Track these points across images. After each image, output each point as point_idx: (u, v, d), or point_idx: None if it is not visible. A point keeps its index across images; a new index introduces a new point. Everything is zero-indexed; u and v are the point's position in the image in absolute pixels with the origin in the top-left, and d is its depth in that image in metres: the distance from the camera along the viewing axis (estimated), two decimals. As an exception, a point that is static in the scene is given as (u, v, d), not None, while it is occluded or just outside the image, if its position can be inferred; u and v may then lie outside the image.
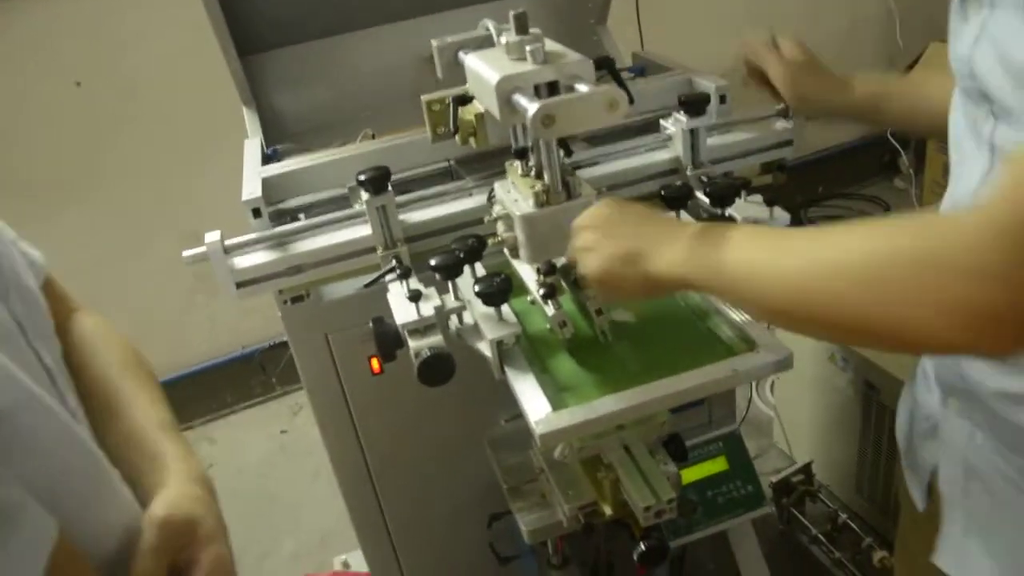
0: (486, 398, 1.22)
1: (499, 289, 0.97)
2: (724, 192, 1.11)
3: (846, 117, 1.21)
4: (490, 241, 1.08)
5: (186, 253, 1.10)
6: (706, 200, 1.14)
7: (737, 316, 1.00)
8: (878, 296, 0.62)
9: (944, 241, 0.59)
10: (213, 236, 1.11)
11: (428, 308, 0.99)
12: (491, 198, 1.13)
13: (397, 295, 1.03)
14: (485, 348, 0.98)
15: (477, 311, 1.00)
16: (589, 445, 1.01)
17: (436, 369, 0.95)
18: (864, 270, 0.63)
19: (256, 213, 1.17)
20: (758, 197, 1.13)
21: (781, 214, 1.10)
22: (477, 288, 0.98)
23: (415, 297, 0.99)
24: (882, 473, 1.86)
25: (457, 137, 1.14)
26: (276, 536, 2.28)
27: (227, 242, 1.12)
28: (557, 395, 0.94)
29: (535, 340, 1.04)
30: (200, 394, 2.74)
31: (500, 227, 1.07)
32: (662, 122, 1.27)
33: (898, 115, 1.13)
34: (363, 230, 1.16)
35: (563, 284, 1.04)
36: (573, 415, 0.88)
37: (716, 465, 1.59)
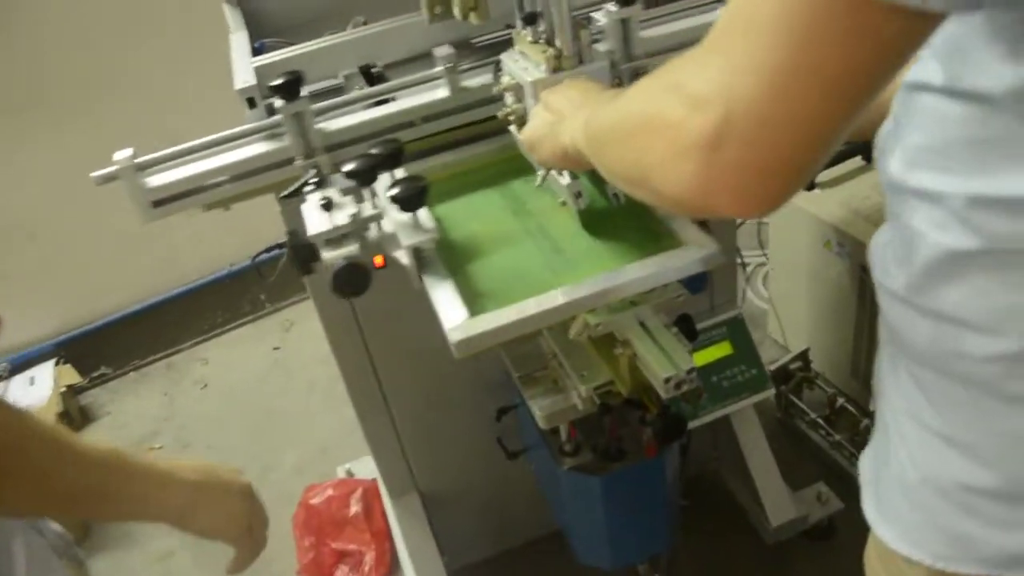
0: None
1: (414, 193, 0.91)
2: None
3: None
4: (499, 115, 1.04)
5: (94, 174, 1.04)
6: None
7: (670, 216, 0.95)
8: (628, 151, 0.64)
9: (666, 75, 0.59)
10: (124, 153, 1.05)
11: (343, 217, 0.93)
12: (497, 70, 1.09)
13: (312, 206, 0.97)
14: (402, 256, 0.93)
15: (394, 218, 0.94)
16: (604, 322, 0.97)
17: (350, 279, 0.91)
18: (623, 122, 0.66)
19: (251, 103, 1.12)
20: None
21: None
22: (391, 193, 0.91)
23: (327, 206, 0.93)
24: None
25: (457, 10, 1.08)
26: (277, 450, 2.31)
27: (139, 160, 1.06)
28: (476, 300, 0.90)
29: (464, 242, 0.99)
30: (190, 315, 2.73)
31: (508, 99, 1.03)
32: (592, 14, 1.18)
33: None
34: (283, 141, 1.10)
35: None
36: (489, 320, 0.84)
37: (721, 350, 1.62)
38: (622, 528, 1.35)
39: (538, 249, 0.98)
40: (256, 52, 1.30)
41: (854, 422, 1.83)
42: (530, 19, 0.94)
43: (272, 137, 1.11)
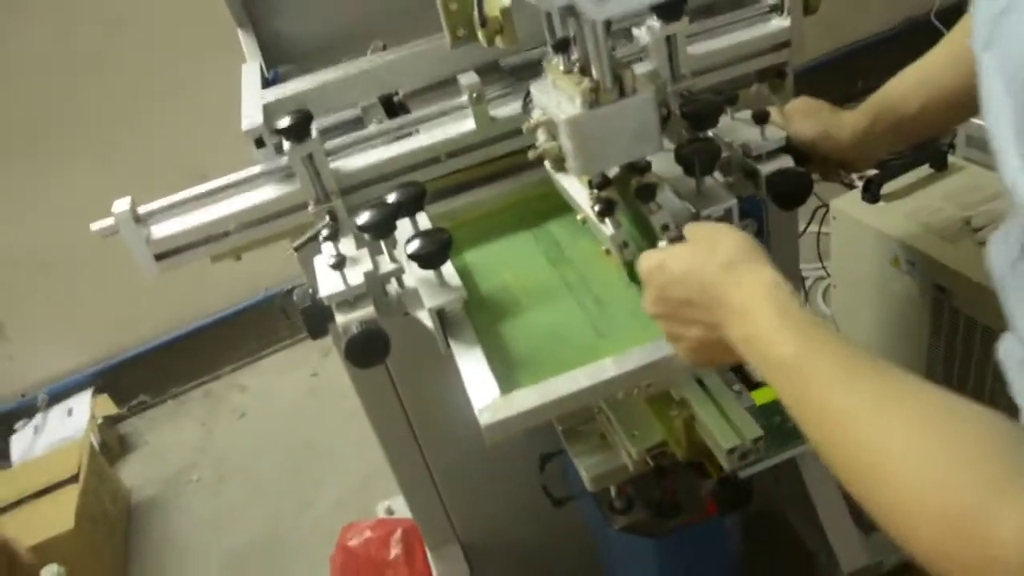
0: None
1: (436, 249, 0.81)
2: (703, 112, 0.92)
3: (894, 147, 0.98)
4: (529, 154, 0.93)
5: (94, 227, 0.96)
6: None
7: None
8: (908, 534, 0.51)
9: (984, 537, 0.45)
10: (122, 204, 0.96)
11: (357, 275, 0.83)
12: (527, 102, 1.00)
13: (324, 260, 0.87)
14: (425, 318, 0.82)
15: (415, 274, 0.84)
16: (658, 380, 0.88)
17: (366, 347, 0.81)
18: (900, 504, 0.51)
19: (259, 143, 1.03)
20: (747, 114, 0.92)
21: (774, 133, 0.91)
22: (410, 249, 0.81)
23: (339, 264, 0.83)
24: (955, 379, 1.67)
25: (481, 35, 0.96)
26: (315, 484, 2.23)
27: (140, 209, 0.97)
28: (511, 371, 0.79)
29: (495, 297, 0.88)
30: (226, 341, 2.67)
31: (540, 136, 0.91)
32: (633, 30, 1.06)
33: (932, 116, 0.90)
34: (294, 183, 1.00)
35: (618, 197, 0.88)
36: (524, 399, 0.73)
37: (764, 395, 1.46)
38: (683, 595, 1.24)
39: (579, 305, 0.87)
40: (271, 82, 1.21)
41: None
42: (561, 46, 0.82)
43: (284, 179, 1.02)
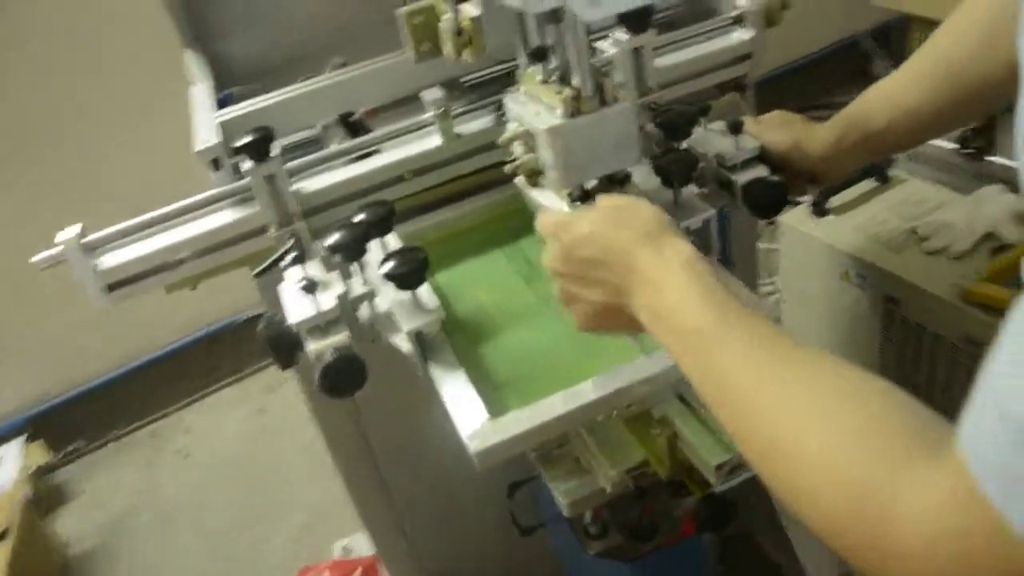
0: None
1: (413, 268, 0.77)
2: (677, 123, 0.91)
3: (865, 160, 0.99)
4: (507, 168, 0.91)
5: (36, 258, 0.90)
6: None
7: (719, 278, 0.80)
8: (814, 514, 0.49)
9: (893, 523, 0.44)
10: (70, 232, 0.90)
11: (328, 299, 0.79)
12: (500, 115, 0.97)
13: (291, 285, 0.83)
14: (402, 342, 0.78)
15: (390, 297, 0.80)
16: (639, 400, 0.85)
17: (342, 375, 0.76)
18: (799, 477, 0.50)
19: (216, 164, 0.98)
20: (720, 124, 0.92)
21: (748, 142, 0.90)
22: (385, 270, 0.77)
23: (310, 287, 0.78)
24: (908, 385, 1.68)
25: (449, 47, 0.94)
26: (269, 522, 2.14)
27: (86, 239, 0.91)
28: (496, 394, 0.75)
29: (471, 318, 0.85)
30: (168, 380, 2.55)
31: (517, 149, 0.88)
32: (598, 45, 1.05)
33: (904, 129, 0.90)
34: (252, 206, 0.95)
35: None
36: (517, 422, 0.70)
37: None
38: (660, 618, 1.20)
39: (560, 322, 0.84)
40: (223, 103, 1.16)
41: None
42: (539, 55, 0.80)
43: (242, 202, 0.97)
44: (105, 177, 2.25)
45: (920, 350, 1.61)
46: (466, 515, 1.44)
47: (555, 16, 0.74)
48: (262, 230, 0.95)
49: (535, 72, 0.83)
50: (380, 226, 0.84)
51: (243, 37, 1.43)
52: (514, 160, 0.86)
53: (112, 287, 0.93)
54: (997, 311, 1.44)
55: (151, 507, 2.28)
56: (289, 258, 0.87)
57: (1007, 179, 1.74)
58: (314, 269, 0.85)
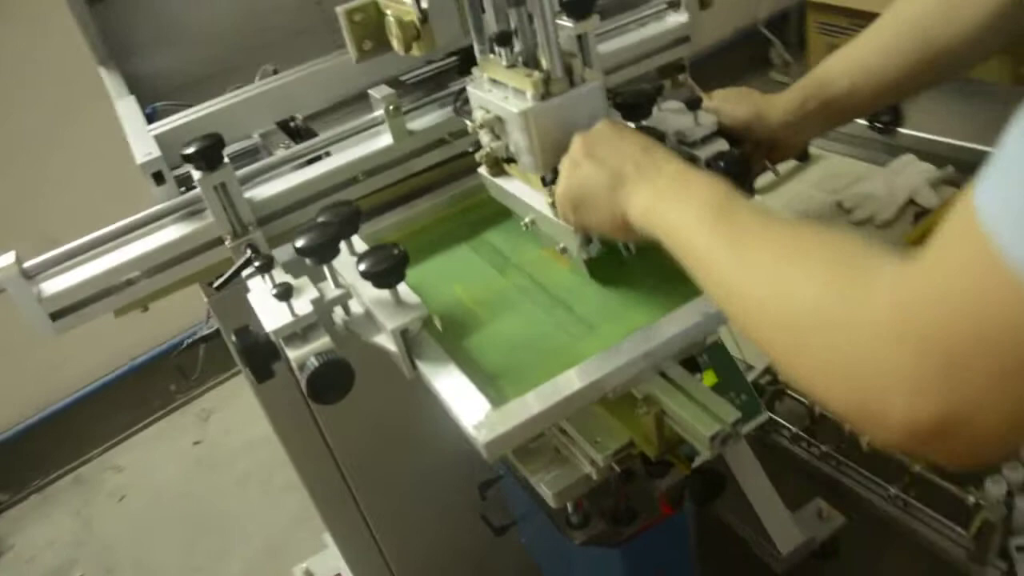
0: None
1: (392, 265, 0.74)
2: (637, 102, 0.91)
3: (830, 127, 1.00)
4: (477, 156, 0.90)
5: (-30, 292, 0.83)
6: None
7: None
8: (804, 369, 0.51)
9: (860, 331, 0.46)
10: (5, 260, 0.84)
11: (304, 304, 0.76)
12: (460, 105, 0.99)
13: (261, 294, 0.79)
14: (386, 341, 0.76)
15: (367, 296, 0.77)
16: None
17: (330, 381, 0.73)
18: (787, 331, 0.53)
19: (158, 178, 0.92)
20: (675, 103, 0.93)
21: (707, 118, 0.91)
22: (363, 267, 0.74)
23: (285, 293, 0.75)
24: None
25: (396, 43, 0.91)
26: (219, 559, 2.05)
27: (26, 264, 0.85)
28: (491, 384, 0.73)
29: (450, 313, 0.83)
30: (93, 420, 2.42)
31: (484, 137, 0.87)
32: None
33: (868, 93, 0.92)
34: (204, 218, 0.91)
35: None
36: (522, 409, 0.68)
37: (705, 380, 1.45)
38: (649, 600, 1.20)
39: (541, 310, 0.83)
40: (149, 119, 1.11)
41: (837, 429, 1.73)
42: (504, 39, 0.79)
43: (190, 216, 0.93)
44: (29, 202, 2.12)
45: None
46: (436, 519, 1.42)
47: (519, 0, 0.73)
48: (216, 242, 0.91)
49: (497, 58, 0.81)
50: (348, 226, 0.81)
51: (160, 53, 1.37)
52: (485, 149, 0.84)
53: (57, 315, 0.87)
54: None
55: (90, 557, 2.16)
56: (251, 268, 0.83)
57: (917, 149, 1.82)
58: (280, 276, 0.81)
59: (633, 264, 0.86)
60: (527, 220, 0.86)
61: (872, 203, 1.74)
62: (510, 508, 1.38)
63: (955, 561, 1.55)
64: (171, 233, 0.91)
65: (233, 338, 0.76)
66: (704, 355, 1.47)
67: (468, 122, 0.89)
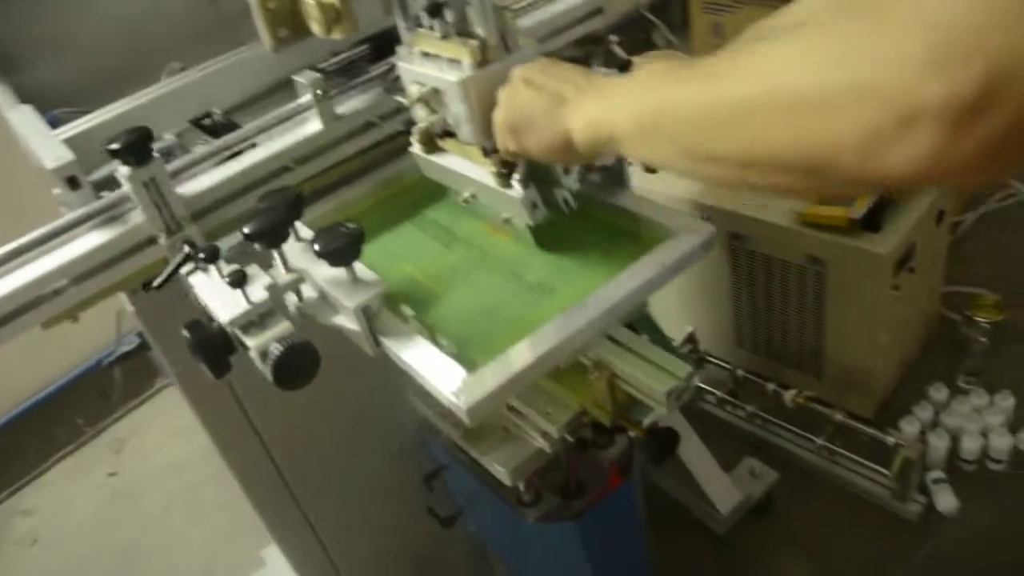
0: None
1: (349, 241, 0.73)
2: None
3: None
4: (414, 131, 0.89)
5: None
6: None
7: (639, 208, 0.84)
8: (780, 131, 0.47)
9: (873, 55, 0.41)
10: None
11: (258, 291, 0.73)
12: (392, 82, 0.97)
13: (209, 286, 0.76)
14: (347, 321, 0.74)
15: (322, 277, 0.75)
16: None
17: (297, 365, 0.71)
18: (764, 97, 0.48)
19: (73, 183, 0.88)
20: (605, 69, 0.94)
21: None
22: (318, 247, 0.73)
23: (239, 280, 0.73)
24: (762, 320, 1.81)
25: (317, 27, 0.89)
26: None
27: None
28: (459, 354, 0.72)
29: (404, 290, 0.82)
30: (-4, 461, 2.28)
31: (420, 112, 0.86)
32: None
33: None
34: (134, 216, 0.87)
35: None
36: (498, 372, 0.68)
37: None
38: (606, 569, 1.22)
39: (495, 279, 0.83)
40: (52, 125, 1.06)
41: (760, 390, 1.80)
42: (435, 10, 0.78)
43: (111, 221, 0.88)
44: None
45: (770, 277, 1.73)
46: (383, 515, 1.40)
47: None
48: (147, 243, 0.87)
49: (429, 31, 0.81)
50: (293, 211, 0.80)
51: (50, 63, 1.31)
52: (423, 123, 0.84)
53: (-18, 331, 0.82)
54: (831, 228, 1.58)
55: (3, 607, 2.03)
56: (192, 263, 0.80)
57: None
58: (225, 268, 0.79)
59: (575, 228, 0.87)
60: (467, 195, 0.86)
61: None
62: (456, 497, 1.37)
63: (880, 500, 1.64)
64: (99, 237, 0.86)
65: (185, 333, 0.73)
66: (631, 327, 1.51)
67: (402, 99, 0.88)
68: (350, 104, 1.00)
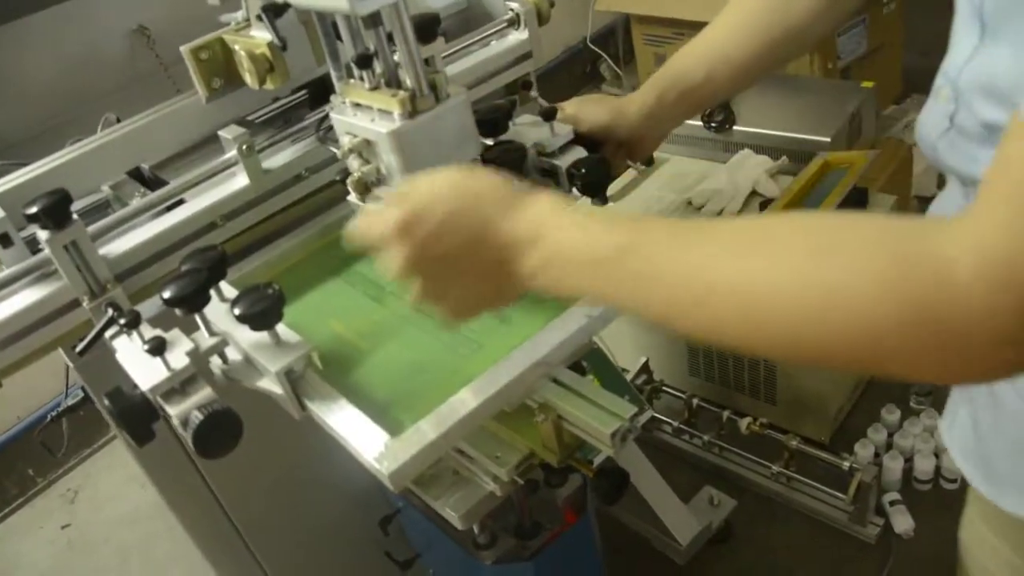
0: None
1: (270, 305, 0.72)
2: (494, 117, 0.92)
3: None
4: (348, 182, 0.86)
5: None
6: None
7: None
8: (860, 349, 0.46)
9: (936, 294, 0.43)
10: None
11: (179, 357, 0.72)
12: (324, 134, 0.98)
13: (131, 352, 0.75)
14: (270, 384, 0.73)
15: (245, 341, 0.74)
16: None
17: (219, 433, 0.70)
18: (788, 302, 0.47)
19: (5, 241, 0.86)
20: (530, 117, 0.95)
21: (562, 128, 0.93)
22: (238, 311, 0.72)
23: (158, 348, 0.71)
24: (715, 347, 1.82)
25: (249, 78, 0.90)
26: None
27: None
28: (385, 415, 0.72)
29: (332, 349, 0.81)
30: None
31: (353, 163, 0.84)
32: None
33: (719, 86, 0.95)
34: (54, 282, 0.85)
35: None
36: (421, 434, 0.67)
37: None
38: (564, 608, 1.21)
39: (425, 334, 0.83)
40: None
41: (716, 418, 1.80)
42: (364, 62, 0.78)
43: (44, 278, 0.87)
44: None
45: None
46: (340, 562, 1.40)
47: (374, 20, 0.73)
48: (73, 304, 0.86)
49: (359, 82, 0.81)
50: (216, 272, 0.78)
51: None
52: (355, 174, 0.83)
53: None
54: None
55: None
56: (115, 327, 0.79)
57: (752, 144, 1.94)
58: (148, 332, 0.77)
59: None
60: None
61: (719, 198, 1.84)
62: (412, 540, 1.36)
63: (839, 524, 1.65)
64: (25, 298, 0.85)
65: (106, 402, 0.72)
66: (583, 362, 1.51)
67: (335, 150, 0.88)
68: (280, 157, 0.99)
